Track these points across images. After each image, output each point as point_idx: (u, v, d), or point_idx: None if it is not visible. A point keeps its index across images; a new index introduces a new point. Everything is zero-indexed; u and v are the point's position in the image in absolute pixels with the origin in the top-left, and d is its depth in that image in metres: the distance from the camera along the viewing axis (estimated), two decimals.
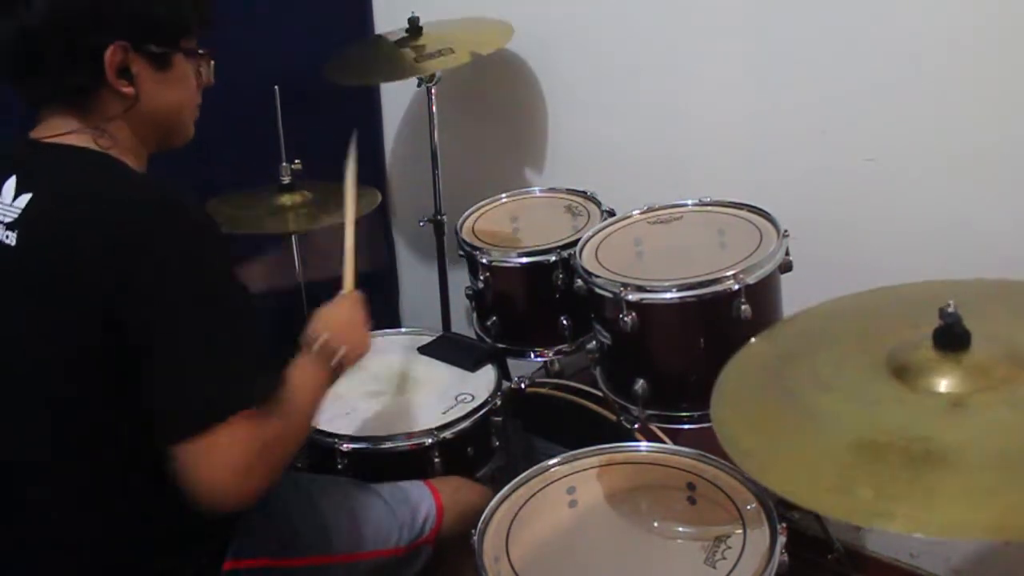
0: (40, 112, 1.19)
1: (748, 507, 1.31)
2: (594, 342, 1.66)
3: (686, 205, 1.75)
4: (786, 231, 1.57)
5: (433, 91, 2.12)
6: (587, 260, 1.63)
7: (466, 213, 1.98)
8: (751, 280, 1.48)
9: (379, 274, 2.69)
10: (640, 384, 1.55)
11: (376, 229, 2.64)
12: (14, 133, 1.22)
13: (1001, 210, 1.64)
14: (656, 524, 1.35)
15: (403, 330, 1.99)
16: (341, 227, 1.51)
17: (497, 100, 2.32)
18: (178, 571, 1.21)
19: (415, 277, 2.72)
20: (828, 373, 1.09)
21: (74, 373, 1.10)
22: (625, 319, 1.50)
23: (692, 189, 1.78)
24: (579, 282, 1.63)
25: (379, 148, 2.62)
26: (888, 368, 1.05)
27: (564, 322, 1.81)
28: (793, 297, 1.53)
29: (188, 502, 1.06)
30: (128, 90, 1.16)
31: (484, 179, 2.34)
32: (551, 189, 2.05)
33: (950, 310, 1.01)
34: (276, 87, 1.93)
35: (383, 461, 1.59)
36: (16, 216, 1.12)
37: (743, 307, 1.46)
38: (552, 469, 1.45)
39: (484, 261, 1.82)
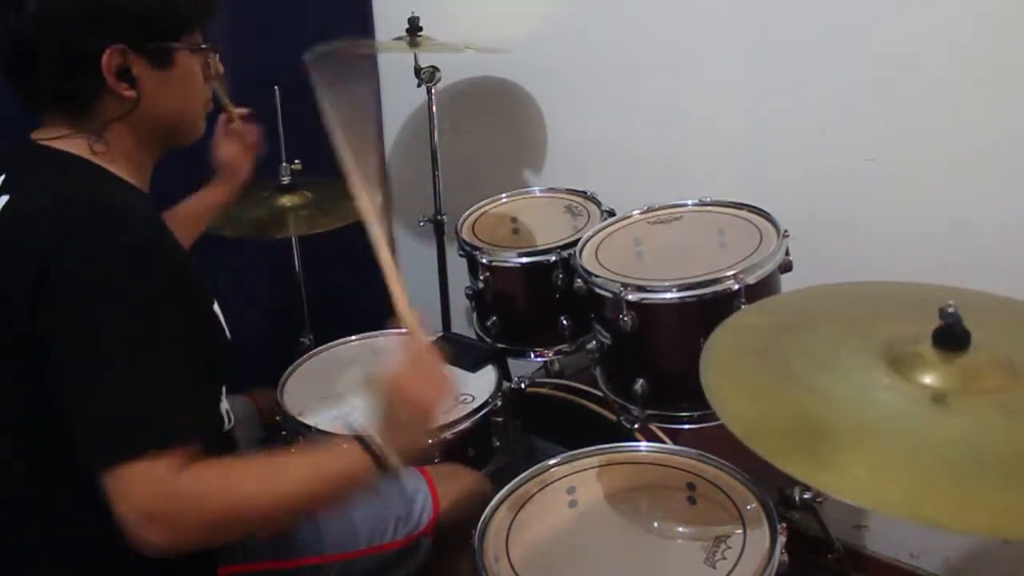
0: (41, 114, 1.17)
1: (748, 507, 1.31)
2: (594, 342, 1.66)
3: (686, 205, 1.75)
4: (786, 231, 1.57)
5: (433, 91, 2.12)
6: (587, 260, 1.63)
7: (466, 213, 1.97)
8: (751, 280, 1.48)
9: (379, 274, 2.68)
10: (640, 384, 1.55)
11: None
12: (20, 130, 1.20)
13: (1001, 210, 1.64)
14: (656, 524, 1.35)
15: (403, 330, 1.98)
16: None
17: (497, 100, 2.32)
18: None
19: (415, 277, 2.70)
20: (823, 352, 1.11)
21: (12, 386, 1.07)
22: (625, 319, 1.50)
23: (692, 189, 1.78)
24: (579, 282, 1.63)
25: (379, 148, 2.62)
26: (884, 357, 1.06)
27: (564, 322, 1.80)
28: None
29: None
30: (129, 93, 1.13)
31: (484, 179, 2.34)
32: (551, 189, 2.05)
33: (950, 310, 1.01)
34: (276, 87, 1.93)
35: None
36: None
37: (743, 307, 1.46)
38: (552, 469, 1.45)
39: (484, 261, 1.82)
